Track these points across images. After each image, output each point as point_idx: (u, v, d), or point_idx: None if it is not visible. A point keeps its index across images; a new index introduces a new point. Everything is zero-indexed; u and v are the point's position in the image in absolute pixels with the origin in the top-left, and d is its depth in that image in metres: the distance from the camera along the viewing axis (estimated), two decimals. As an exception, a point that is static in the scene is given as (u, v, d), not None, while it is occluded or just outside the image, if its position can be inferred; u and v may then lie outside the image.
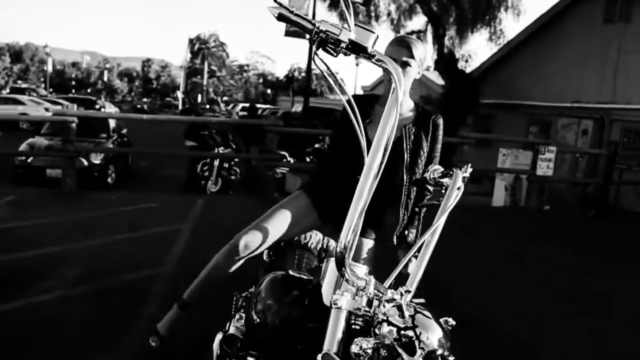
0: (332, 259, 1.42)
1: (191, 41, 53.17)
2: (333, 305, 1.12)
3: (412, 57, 1.81)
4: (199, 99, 50.38)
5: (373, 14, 16.20)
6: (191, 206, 6.60)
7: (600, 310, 4.13)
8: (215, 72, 53.68)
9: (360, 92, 28.45)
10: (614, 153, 7.55)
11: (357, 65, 25.34)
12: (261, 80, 57.91)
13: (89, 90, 54.50)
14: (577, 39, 12.49)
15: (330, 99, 41.17)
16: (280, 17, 1.23)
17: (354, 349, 1.06)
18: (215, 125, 10.09)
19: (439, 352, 1.08)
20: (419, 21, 17.48)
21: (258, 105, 32.31)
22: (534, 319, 3.81)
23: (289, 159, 10.17)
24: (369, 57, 1.20)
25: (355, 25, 1.19)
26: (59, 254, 4.32)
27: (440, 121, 1.97)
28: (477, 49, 20.07)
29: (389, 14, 15.55)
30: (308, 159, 11.19)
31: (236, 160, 9.61)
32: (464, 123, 14.52)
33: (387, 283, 1.26)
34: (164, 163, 11.92)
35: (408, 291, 1.12)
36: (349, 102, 1.27)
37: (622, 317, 4.01)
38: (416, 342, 1.07)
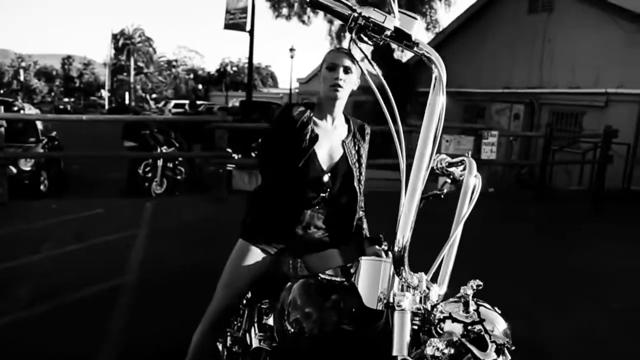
0: (365, 259, 1.36)
1: (115, 36, 50.43)
2: (397, 307, 1.06)
3: (353, 63, 1.79)
4: (127, 97, 48.06)
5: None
6: (140, 210, 6.26)
7: (566, 286, 4.36)
8: (142, 68, 51.34)
9: (296, 84, 28.34)
10: (550, 135, 8.00)
11: (291, 57, 25.16)
12: (192, 76, 56.18)
13: (1, 92, 50.35)
14: (505, 28, 13.13)
15: (264, 92, 40.77)
16: (313, 3, 1.15)
17: (430, 350, 1.01)
18: (155, 123, 9.62)
19: (507, 344, 1.05)
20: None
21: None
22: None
23: (234, 155, 9.93)
24: (412, 45, 1.15)
25: (399, 11, 1.13)
26: (4, 272, 3.93)
27: (369, 131, 1.99)
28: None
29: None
30: (253, 155, 10.99)
31: (180, 159, 9.24)
32: (403, 111, 14.91)
33: (429, 277, 1.21)
34: (99, 166, 11.24)
35: (479, 285, 1.07)
36: (380, 101, 1.23)
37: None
38: (486, 337, 1.04)
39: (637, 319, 3.68)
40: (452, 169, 1.67)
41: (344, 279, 1.36)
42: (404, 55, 15.43)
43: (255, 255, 1.89)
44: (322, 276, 1.37)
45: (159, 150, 8.78)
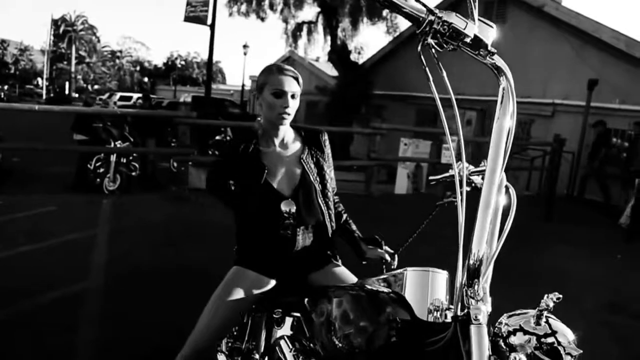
0: (411, 270, 1.32)
1: (55, 22, 47.57)
2: (474, 321, 1.03)
3: (299, 88, 1.76)
4: (67, 87, 45.57)
5: (266, 2, 15.94)
6: (97, 207, 5.93)
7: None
8: (84, 58, 48.79)
9: (248, 82, 27.95)
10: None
11: (245, 54, 24.77)
12: (138, 68, 54.10)
13: None
14: (460, 36, 13.54)
15: (213, 89, 39.86)
16: (387, 4, 1.09)
17: None
18: (109, 117, 9.16)
19: (579, 356, 1.05)
20: (309, 12, 17.65)
21: (136, 95, 30.18)
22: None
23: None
24: (486, 54, 1.11)
25: (478, 19, 1.09)
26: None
27: (327, 136, 1.92)
28: (369, 42, 20.82)
29: (285, 3, 15.38)
30: (210, 152, 10.72)
31: (134, 155, 8.84)
32: (358, 113, 15.07)
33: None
34: (40, 159, 10.55)
35: (559, 298, 1.06)
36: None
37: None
38: (560, 349, 1.03)
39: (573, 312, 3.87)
40: (473, 177, 1.66)
41: (390, 290, 1.31)
42: (360, 58, 15.61)
43: (252, 279, 1.78)
44: (368, 286, 1.32)
45: (112, 144, 8.36)
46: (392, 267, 1.89)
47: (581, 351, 1.05)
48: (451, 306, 1.27)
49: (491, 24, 1.11)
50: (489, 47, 1.09)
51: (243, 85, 26.11)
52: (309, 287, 1.77)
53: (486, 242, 1.05)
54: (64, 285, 3.55)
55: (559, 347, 1.03)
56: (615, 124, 9.88)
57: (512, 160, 10.91)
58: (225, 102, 21.86)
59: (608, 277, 4.86)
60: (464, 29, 1.06)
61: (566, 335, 1.06)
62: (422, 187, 10.11)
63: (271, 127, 1.78)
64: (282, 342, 1.49)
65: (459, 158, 1.92)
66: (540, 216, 7.34)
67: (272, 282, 1.81)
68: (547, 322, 1.07)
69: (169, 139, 10.36)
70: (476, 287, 1.06)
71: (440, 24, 1.06)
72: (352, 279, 1.82)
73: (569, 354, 1.03)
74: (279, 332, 1.79)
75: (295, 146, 1.84)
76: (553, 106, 10.94)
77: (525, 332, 1.05)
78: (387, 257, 1.90)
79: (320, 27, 15.90)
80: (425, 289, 1.26)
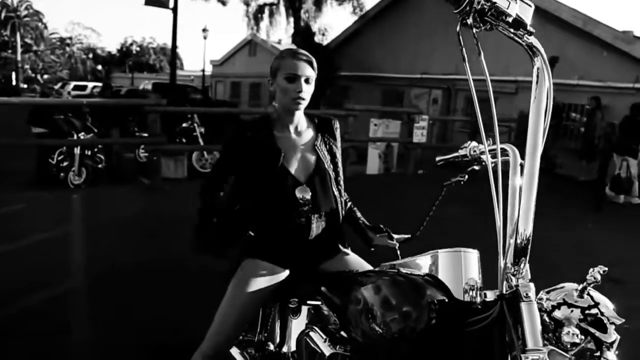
0: (442, 252, 1.33)
1: (-4, 8, 44.91)
2: (524, 299, 1.04)
3: (314, 72, 1.70)
4: (13, 77, 43.27)
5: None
6: (68, 203, 5.70)
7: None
8: (31, 46, 46.27)
9: (209, 67, 27.36)
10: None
11: (204, 38, 24.12)
12: (90, 56, 51.89)
13: None
14: (423, 15, 13.65)
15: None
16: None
17: (568, 338, 1.02)
18: (69, 107, 8.77)
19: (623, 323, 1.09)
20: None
21: (91, 84, 28.99)
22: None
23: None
24: (524, 34, 1.10)
25: (519, -3, 1.08)
26: None
27: (338, 124, 1.91)
28: (333, 23, 20.54)
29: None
30: (177, 140, 10.47)
31: (99, 146, 8.53)
32: (324, 95, 15.02)
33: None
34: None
35: (605, 271, 1.08)
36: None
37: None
38: (604, 319, 1.06)
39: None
40: (484, 157, 1.67)
41: (425, 273, 1.31)
42: (324, 39, 15.51)
43: (267, 270, 1.74)
44: (402, 270, 1.32)
45: (75, 136, 8.03)
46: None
47: (623, 320, 1.08)
48: (482, 286, 1.29)
49: (530, 3, 1.10)
50: (529, 27, 1.09)
51: (204, 71, 25.51)
52: (323, 276, 1.76)
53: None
54: (47, 286, 3.41)
55: (603, 318, 1.07)
56: (573, 100, 10.25)
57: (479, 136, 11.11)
58: (188, 88, 21.33)
59: (587, 245, 5.08)
60: (507, 8, 1.05)
61: (607, 305, 1.09)
62: (393, 166, 10.23)
63: (285, 112, 1.73)
64: (312, 333, 1.46)
65: (471, 138, 1.94)
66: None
67: (286, 272, 1.79)
68: (588, 294, 1.10)
69: (132, 128, 10.04)
70: (522, 265, 1.08)
71: (482, 3, 1.04)
72: (366, 266, 1.81)
73: (612, 323, 1.07)
74: (295, 322, 1.77)
75: (308, 133, 1.80)
76: (516, 84, 11.21)
77: (570, 306, 1.08)
78: (396, 243, 1.89)
79: (282, 9, 15.71)
80: (459, 270, 1.27)
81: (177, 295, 3.36)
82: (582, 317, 1.07)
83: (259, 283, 1.72)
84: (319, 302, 1.67)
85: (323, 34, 15.38)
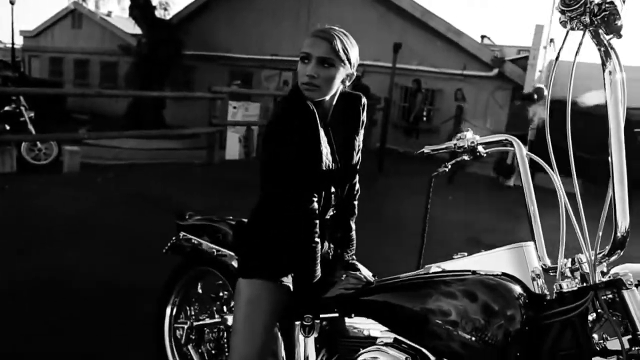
0: (505, 248, 1.32)
1: None
2: (627, 286, 1.08)
3: (334, 53, 1.41)
4: None
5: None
6: None
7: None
8: None
9: (20, 39, 23.33)
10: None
11: (12, 3, 20.25)
12: None
13: None
14: (271, -4, 13.54)
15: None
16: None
17: None
18: None
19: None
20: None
21: None
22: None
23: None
24: (612, 38, 1.09)
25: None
26: None
27: (365, 100, 1.65)
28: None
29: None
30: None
31: None
32: (169, 75, 14.02)
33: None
34: None
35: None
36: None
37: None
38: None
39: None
40: (480, 148, 1.68)
41: (501, 272, 1.28)
42: (167, 14, 14.36)
43: (274, 287, 1.54)
44: (481, 272, 1.26)
45: None
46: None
47: None
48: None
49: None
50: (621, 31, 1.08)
51: (13, 44, 21.61)
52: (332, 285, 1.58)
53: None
54: None
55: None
56: (410, 83, 11.35)
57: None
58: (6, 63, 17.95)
59: (455, 216, 5.67)
60: (621, 11, 1.02)
61: None
62: (254, 150, 10.09)
63: (314, 101, 1.46)
64: (385, 347, 1.32)
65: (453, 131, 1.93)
66: (374, 169, 8.07)
67: (289, 286, 1.59)
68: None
69: None
70: (617, 256, 1.12)
71: (603, 4, 1.00)
72: (367, 273, 1.65)
73: None
74: (310, 341, 1.60)
75: (342, 122, 1.57)
76: (364, 67, 11.91)
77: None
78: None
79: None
80: (524, 263, 1.27)
81: (58, 322, 2.81)
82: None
83: (271, 304, 1.53)
84: (335, 315, 1.54)
85: (165, 9, 14.18)
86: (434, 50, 10.96)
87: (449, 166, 1.79)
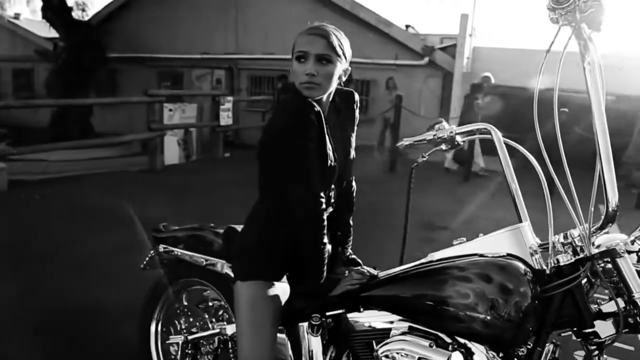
0: (504, 230, 1.41)
1: None
2: (621, 254, 1.20)
3: (332, 49, 1.43)
4: None
5: None
6: None
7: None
8: None
9: None
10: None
11: None
12: None
13: None
14: (197, -7, 13.16)
15: None
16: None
17: None
18: None
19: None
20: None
21: None
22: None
23: None
24: (592, 31, 1.19)
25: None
26: None
27: (357, 97, 1.69)
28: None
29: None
30: None
31: None
32: (93, 80, 13.29)
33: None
34: None
35: None
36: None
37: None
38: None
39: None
40: (458, 138, 1.76)
41: (505, 253, 1.36)
42: (85, 15, 13.54)
43: (274, 288, 1.55)
44: (489, 255, 1.33)
45: None
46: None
47: None
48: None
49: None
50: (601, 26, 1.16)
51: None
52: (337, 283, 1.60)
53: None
54: None
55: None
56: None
57: (268, 114, 11.57)
58: None
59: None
60: (605, 8, 1.11)
61: None
62: (194, 153, 9.84)
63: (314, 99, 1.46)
64: (405, 337, 1.36)
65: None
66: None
67: (287, 288, 1.61)
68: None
69: None
70: (608, 229, 1.24)
71: (589, 0, 1.09)
72: (367, 267, 1.70)
73: None
74: (316, 340, 1.62)
75: (338, 118, 1.58)
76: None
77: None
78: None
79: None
80: (522, 243, 1.37)
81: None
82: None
83: (273, 305, 1.52)
84: (340, 311, 1.58)
85: (83, 9, 13.37)
86: (365, 42, 11.18)
87: (427, 157, 1.86)
